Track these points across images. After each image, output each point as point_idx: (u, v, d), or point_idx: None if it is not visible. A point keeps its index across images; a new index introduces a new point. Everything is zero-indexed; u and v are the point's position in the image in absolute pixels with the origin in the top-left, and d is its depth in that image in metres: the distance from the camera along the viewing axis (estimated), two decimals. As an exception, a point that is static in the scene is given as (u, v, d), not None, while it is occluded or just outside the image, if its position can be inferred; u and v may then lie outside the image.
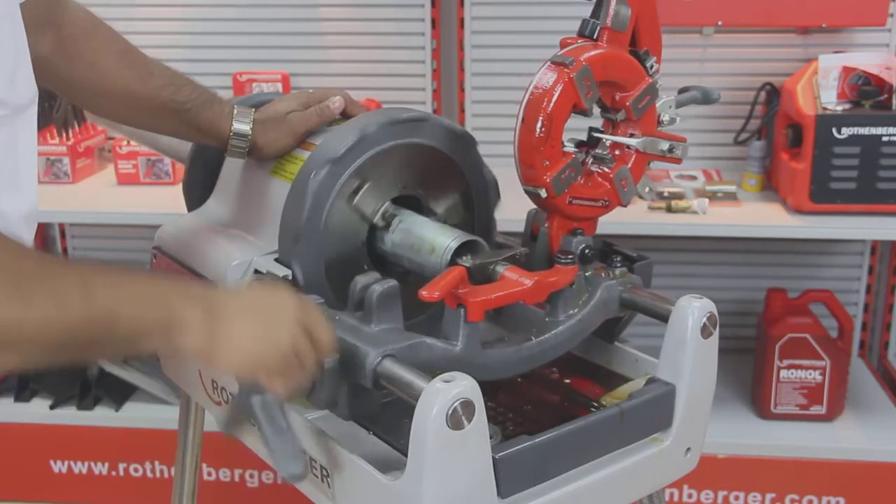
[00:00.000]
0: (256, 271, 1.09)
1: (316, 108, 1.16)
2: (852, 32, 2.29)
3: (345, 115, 1.18)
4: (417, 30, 2.40)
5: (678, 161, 1.15)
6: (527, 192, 1.10)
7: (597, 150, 1.13)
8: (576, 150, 1.13)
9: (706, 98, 1.18)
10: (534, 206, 1.14)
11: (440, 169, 1.15)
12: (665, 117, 1.12)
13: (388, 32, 2.42)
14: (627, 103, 1.09)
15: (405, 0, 2.38)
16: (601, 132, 1.13)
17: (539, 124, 1.04)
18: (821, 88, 2.04)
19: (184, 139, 1.21)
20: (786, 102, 2.13)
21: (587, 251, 1.09)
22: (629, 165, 1.12)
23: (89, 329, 0.74)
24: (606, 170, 1.12)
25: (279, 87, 2.39)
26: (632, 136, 1.11)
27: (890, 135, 1.97)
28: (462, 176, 1.16)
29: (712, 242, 2.43)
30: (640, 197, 1.17)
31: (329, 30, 2.45)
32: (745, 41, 2.35)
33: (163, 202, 2.13)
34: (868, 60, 2.05)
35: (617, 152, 1.12)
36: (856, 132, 1.97)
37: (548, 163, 1.05)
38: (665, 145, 1.12)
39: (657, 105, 1.11)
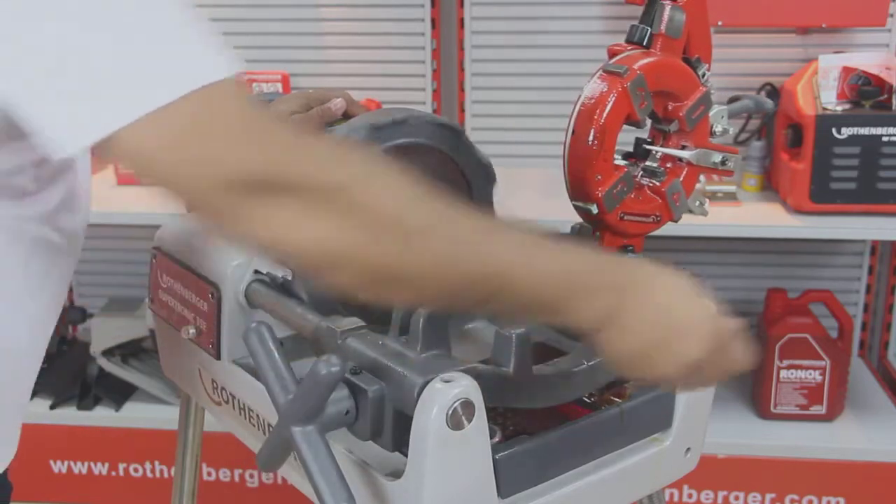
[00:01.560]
0: (256, 271, 1.09)
1: (318, 109, 1.16)
2: (852, 32, 2.29)
3: (346, 116, 1.18)
4: (417, 30, 2.40)
5: (730, 174, 1.11)
6: (576, 207, 1.05)
7: (647, 163, 1.08)
8: (626, 162, 1.08)
9: (759, 107, 1.14)
10: (578, 221, 1.10)
11: (435, 165, 1.14)
12: (718, 128, 1.08)
13: (388, 32, 2.42)
14: (681, 114, 1.04)
15: (405, 0, 2.38)
16: (649, 143, 1.08)
17: (591, 136, 1.00)
18: (821, 88, 2.04)
19: None
20: (786, 102, 2.13)
21: None
22: (681, 179, 1.08)
23: (485, 285, 0.73)
24: (657, 183, 1.07)
25: (279, 87, 2.39)
26: (684, 147, 1.07)
27: (890, 135, 1.97)
28: (455, 165, 1.15)
29: (712, 242, 2.44)
30: (691, 211, 1.11)
31: (329, 30, 2.46)
32: (745, 41, 2.35)
33: (163, 202, 2.13)
34: (868, 60, 2.06)
35: (668, 165, 1.08)
36: (856, 132, 1.97)
37: (600, 177, 1.01)
38: (718, 157, 1.08)
39: (710, 115, 1.07)
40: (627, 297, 0.78)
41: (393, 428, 0.88)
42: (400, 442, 0.88)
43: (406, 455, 0.87)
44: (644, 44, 1.05)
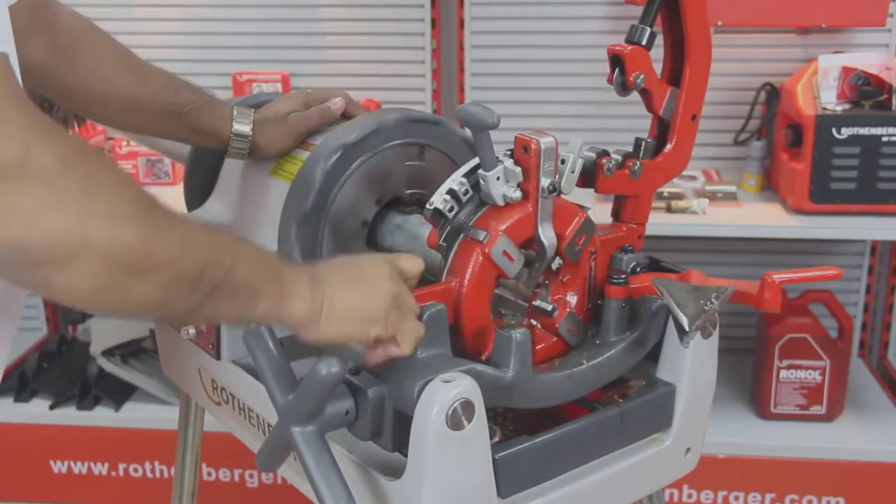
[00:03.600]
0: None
1: (317, 108, 1.16)
2: (852, 32, 2.29)
3: (345, 116, 1.18)
4: (417, 30, 2.40)
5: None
6: None
7: (537, 303, 1.02)
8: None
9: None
10: None
11: (422, 159, 1.14)
12: (566, 186, 0.99)
13: (388, 32, 2.42)
14: (562, 250, 0.99)
15: (405, 0, 2.38)
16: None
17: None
18: (821, 88, 2.04)
19: (183, 142, 1.21)
20: (786, 102, 2.13)
21: (638, 269, 1.05)
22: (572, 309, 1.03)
23: (215, 270, 0.74)
24: (550, 318, 1.02)
25: (279, 87, 2.39)
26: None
27: (890, 135, 1.97)
28: (441, 152, 1.14)
29: (712, 242, 2.43)
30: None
31: (329, 30, 2.45)
32: (745, 41, 2.35)
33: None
34: (868, 60, 2.06)
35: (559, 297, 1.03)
36: (856, 132, 1.97)
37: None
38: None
39: (562, 184, 0.98)
40: (323, 284, 0.84)
41: (393, 428, 0.88)
42: (400, 442, 0.88)
43: (406, 455, 0.87)
44: (643, 43, 1.04)
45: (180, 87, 1.14)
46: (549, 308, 1.01)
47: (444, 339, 0.91)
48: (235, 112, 1.15)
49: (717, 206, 2.11)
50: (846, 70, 2.04)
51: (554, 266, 1.01)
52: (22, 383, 2.35)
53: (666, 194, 2.14)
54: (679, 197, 2.13)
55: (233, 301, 0.78)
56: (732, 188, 2.19)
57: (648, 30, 1.03)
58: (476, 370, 0.89)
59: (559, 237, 0.98)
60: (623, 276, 1.02)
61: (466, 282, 0.93)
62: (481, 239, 0.93)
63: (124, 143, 2.27)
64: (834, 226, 2.02)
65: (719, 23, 2.13)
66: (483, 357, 0.95)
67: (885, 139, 1.97)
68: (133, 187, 0.70)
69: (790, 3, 2.11)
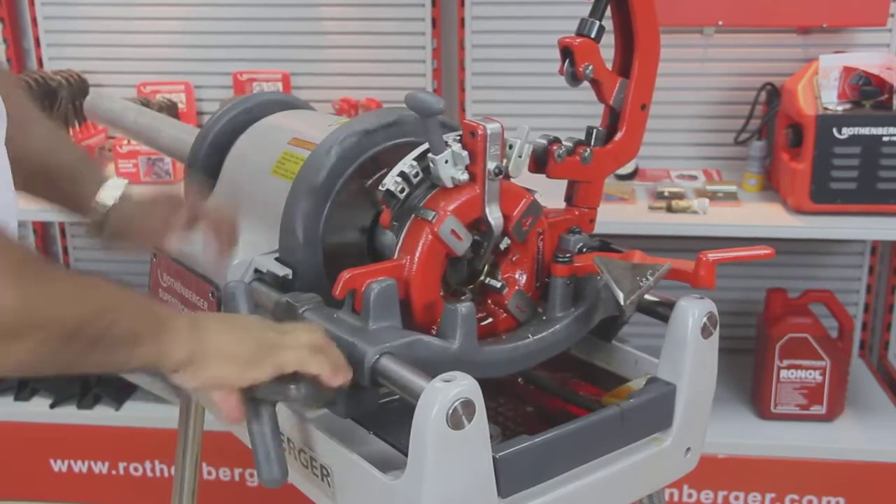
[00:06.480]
0: (256, 270, 1.09)
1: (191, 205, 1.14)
2: (853, 32, 2.29)
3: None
4: (417, 30, 2.40)
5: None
6: None
7: (488, 281, 1.06)
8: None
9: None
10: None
11: None
12: (514, 170, 1.02)
13: (388, 32, 2.42)
14: (510, 230, 1.02)
15: (405, 0, 2.38)
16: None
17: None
18: (821, 88, 2.04)
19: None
20: (786, 102, 2.13)
21: (584, 250, 1.08)
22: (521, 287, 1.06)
23: (96, 324, 0.76)
24: (500, 296, 1.05)
25: (279, 86, 2.39)
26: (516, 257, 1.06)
27: (890, 135, 1.97)
28: None
29: (712, 242, 2.42)
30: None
31: (329, 30, 2.46)
32: (745, 41, 2.35)
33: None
34: (868, 60, 2.06)
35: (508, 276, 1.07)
36: (856, 132, 1.97)
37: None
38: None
39: (510, 168, 1.01)
40: (204, 327, 0.86)
41: (346, 395, 0.92)
42: (352, 409, 0.93)
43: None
44: (592, 35, 1.06)
45: (61, 147, 1.10)
46: (499, 286, 1.05)
47: (394, 313, 0.95)
48: (107, 182, 1.12)
49: (718, 205, 2.11)
50: (847, 70, 2.04)
51: (502, 246, 1.05)
52: (22, 382, 2.35)
53: (666, 194, 2.14)
54: (679, 197, 2.13)
55: (114, 349, 0.79)
56: (733, 188, 2.19)
57: (597, 23, 1.06)
58: (423, 341, 0.93)
59: (506, 218, 1.02)
60: (568, 255, 1.05)
61: (416, 259, 0.97)
62: (430, 218, 0.97)
63: (125, 142, 2.27)
64: (834, 226, 2.03)
65: (720, 23, 2.13)
66: (433, 331, 0.98)
67: (885, 139, 1.97)
68: (7, 247, 0.71)
69: (790, 3, 2.11)
